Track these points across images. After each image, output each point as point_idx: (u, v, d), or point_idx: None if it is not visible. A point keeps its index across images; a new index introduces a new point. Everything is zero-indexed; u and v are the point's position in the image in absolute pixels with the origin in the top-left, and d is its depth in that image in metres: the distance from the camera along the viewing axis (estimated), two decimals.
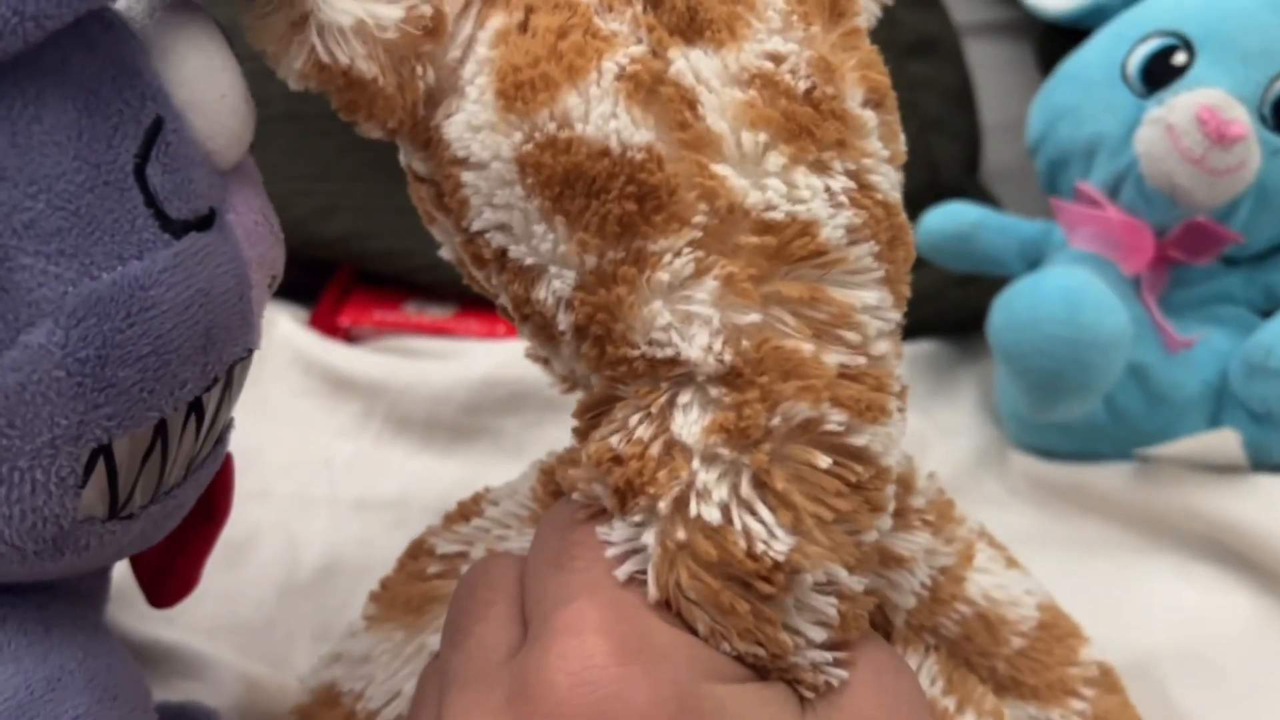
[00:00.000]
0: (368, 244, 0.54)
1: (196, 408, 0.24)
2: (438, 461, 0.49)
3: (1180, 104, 0.45)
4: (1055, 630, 0.31)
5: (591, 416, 0.24)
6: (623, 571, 0.22)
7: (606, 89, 0.22)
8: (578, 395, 0.29)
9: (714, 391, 0.22)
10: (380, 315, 0.54)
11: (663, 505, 0.22)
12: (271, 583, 0.42)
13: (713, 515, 0.22)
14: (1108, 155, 0.48)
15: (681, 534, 0.22)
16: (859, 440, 0.22)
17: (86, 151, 0.21)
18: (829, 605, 0.23)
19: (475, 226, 0.24)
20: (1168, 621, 0.43)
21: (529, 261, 0.23)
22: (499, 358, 0.51)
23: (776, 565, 0.22)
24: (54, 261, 0.20)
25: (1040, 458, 0.50)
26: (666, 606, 0.22)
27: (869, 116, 0.24)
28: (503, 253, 0.24)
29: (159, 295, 0.21)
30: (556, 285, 0.23)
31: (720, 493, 0.22)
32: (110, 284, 0.21)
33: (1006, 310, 0.45)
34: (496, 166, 0.23)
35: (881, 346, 0.23)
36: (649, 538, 0.22)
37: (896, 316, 0.24)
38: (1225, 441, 0.45)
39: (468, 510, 0.30)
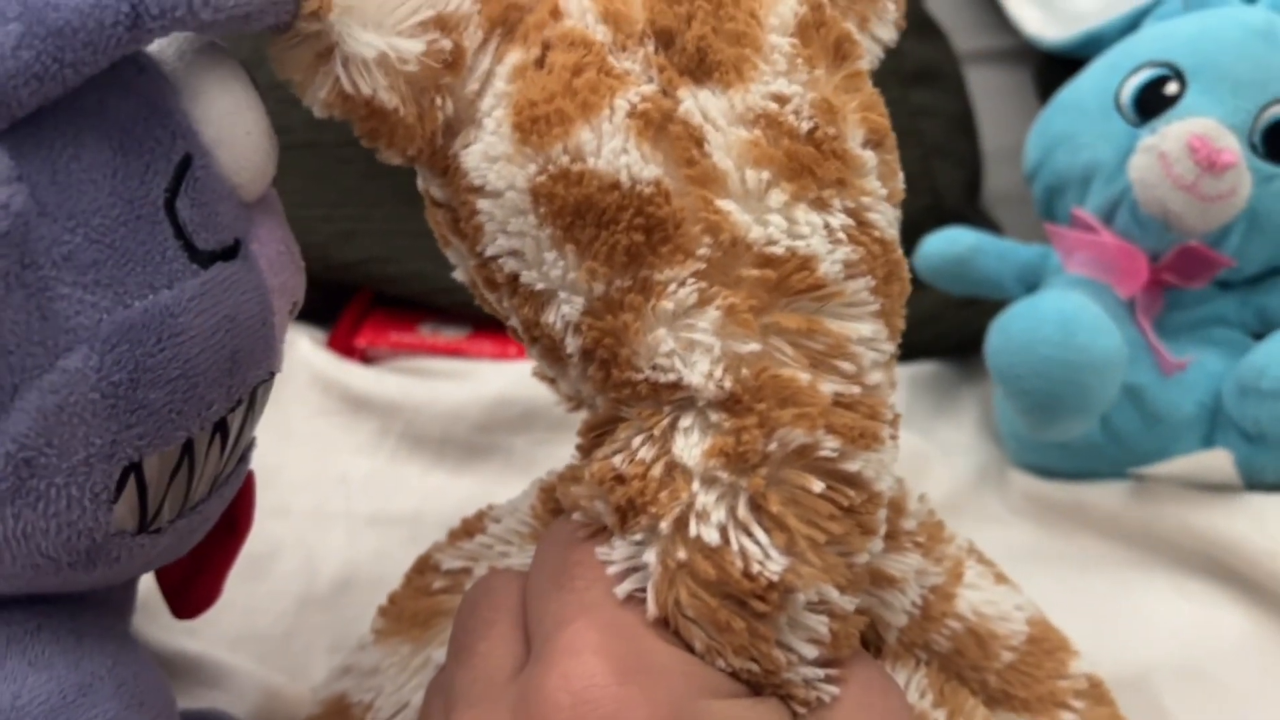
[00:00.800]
0: (386, 268, 0.55)
1: (221, 427, 0.25)
2: (451, 479, 0.50)
3: (1172, 132, 0.46)
4: (1045, 644, 0.32)
5: (595, 435, 0.25)
6: (622, 589, 0.23)
7: (618, 125, 0.23)
8: (583, 414, 0.30)
9: (714, 416, 0.23)
10: (396, 337, 0.56)
11: (664, 525, 0.23)
12: (290, 596, 0.44)
13: (712, 536, 0.22)
14: (1103, 182, 0.49)
15: (682, 554, 0.23)
16: (852, 466, 0.23)
17: (121, 188, 0.22)
18: (821, 624, 0.23)
19: (489, 252, 0.25)
20: (1164, 636, 0.44)
21: (539, 287, 0.24)
22: (511, 378, 0.52)
23: (771, 585, 0.22)
24: (90, 291, 0.21)
25: (1039, 476, 0.51)
26: (664, 624, 0.23)
27: (869, 156, 0.25)
28: (514, 278, 0.25)
29: (187, 322, 0.23)
30: (565, 310, 0.24)
31: (719, 514, 0.23)
32: (142, 312, 0.22)
33: (1003, 333, 0.46)
34: (511, 196, 0.24)
35: (875, 376, 0.24)
36: (650, 556, 0.23)
37: (891, 348, 0.25)
38: (1219, 461, 0.46)
39: (471, 527, 0.31)
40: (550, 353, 0.26)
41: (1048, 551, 0.48)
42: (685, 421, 0.23)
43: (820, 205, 0.24)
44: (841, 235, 0.24)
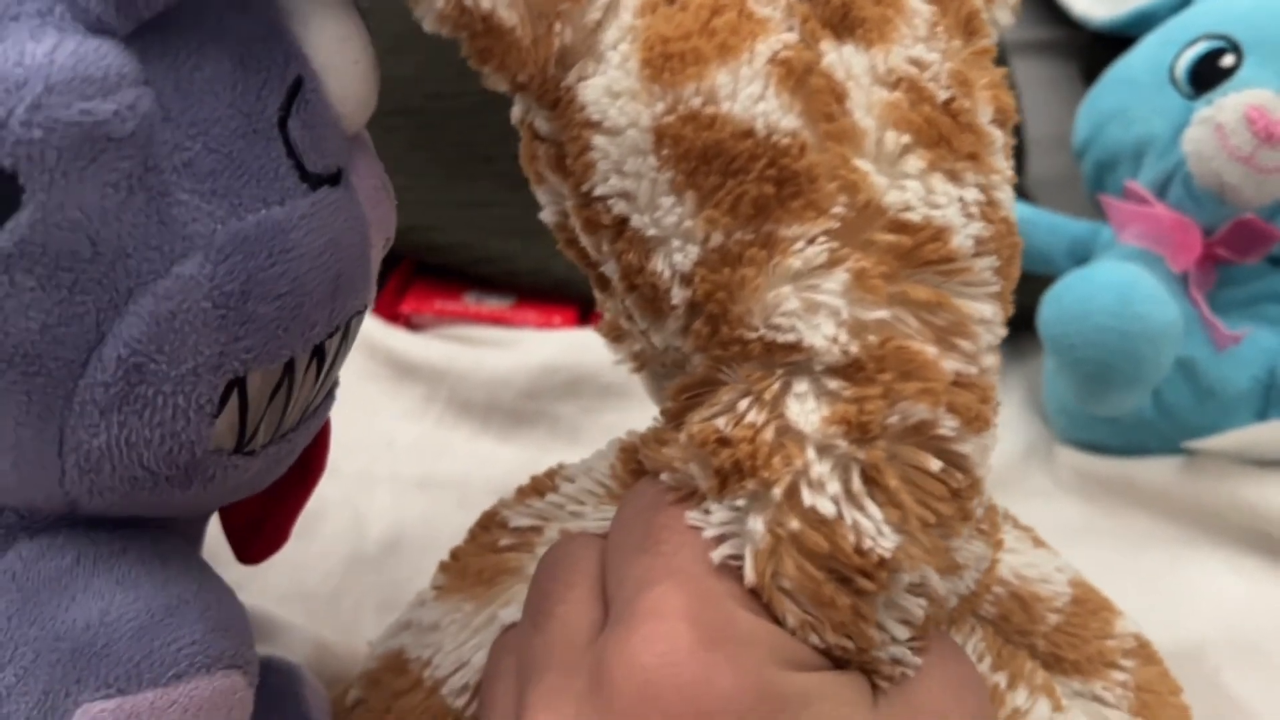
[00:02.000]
0: (430, 236, 0.55)
1: (319, 353, 0.25)
2: (498, 445, 0.50)
3: (1229, 104, 0.46)
4: (1089, 605, 0.32)
5: (688, 397, 0.25)
6: (718, 554, 0.22)
7: (758, 71, 0.22)
8: (641, 376, 0.29)
9: (831, 383, 0.22)
10: (441, 304, 0.56)
11: (777, 491, 0.22)
12: (339, 556, 0.44)
13: (827, 507, 0.22)
14: (1156, 156, 0.49)
15: (795, 524, 0.22)
16: (964, 448, 0.23)
17: (240, 101, 0.22)
18: (918, 606, 0.23)
19: (598, 191, 0.24)
20: (1217, 612, 0.43)
21: (650, 232, 0.23)
22: (556, 346, 0.52)
23: (881, 562, 0.22)
24: (207, 200, 0.21)
25: (1088, 452, 0.50)
26: (753, 595, 0.22)
27: (997, 134, 0.25)
28: (622, 221, 0.24)
29: (298, 239, 0.23)
30: (677, 259, 0.23)
31: (833, 485, 0.22)
32: (255, 224, 0.22)
33: (1057, 303, 0.46)
34: (632, 134, 0.23)
35: (989, 360, 0.24)
36: (755, 523, 0.22)
37: (1003, 333, 0.24)
38: (1274, 434, 0.46)
39: (541, 485, 0.30)
40: (650, 304, 0.25)
41: (1098, 528, 0.48)
42: (800, 386, 0.22)
43: (954, 177, 0.23)
44: (974, 210, 0.23)
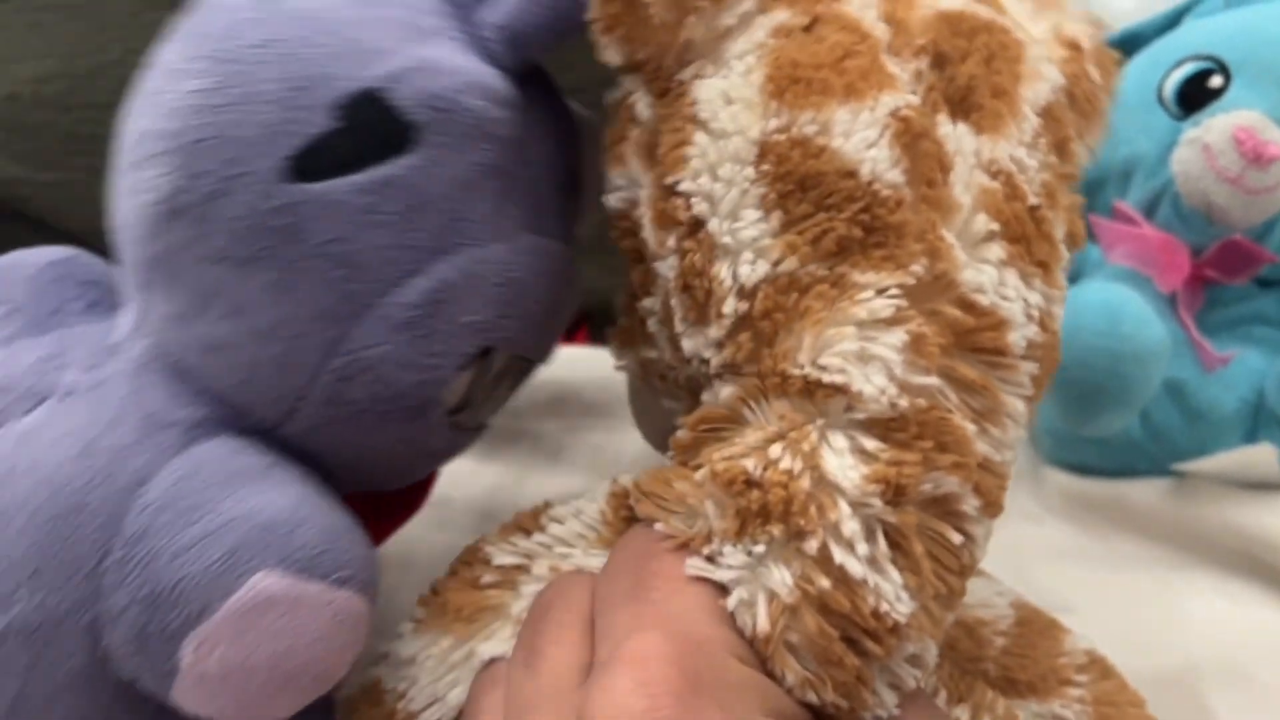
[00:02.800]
0: None
1: (529, 368, 0.31)
2: (479, 463, 0.49)
3: (1217, 124, 0.45)
4: (1035, 625, 0.32)
5: (706, 429, 0.24)
6: (732, 601, 0.22)
7: (878, 119, 0.23)
8: (633, 388, 0.29)
9: (869, 442, 0.22)
10: None
11: (812, 544, 0.22)
12: None
13: (855, 568, 0.21)
14: (1144, 176, 0.49)
15: (824, 581, 0.22)
16: (976, 529, 0.23)
17: (554, 158, 0.29)
18: (911, 676, 0.23)
19: (683, 187, 0.24)
20: (1206, 635, 0.43)
21: (724, 240, 0.23)
22: None
23: (894, 628, 0.22)
24: (524, 211, 0.28)
25: (1076, 474, 0.50)
26: (746, 645, 0.22)
27: (1065, 254, 0.25)
28: (698, 222, 0.24)
29: (560, 269, 0.29)
30: (744, 270, 0.23)
31: (862, 545, 0.22)
32: (545, 244, 0.28)
33: None
34: (737, 142, 0.23)
35: (1009, 455, 0.24)
36: (780, 573, 0.22)
37: (1023, 437, 0.25)
38: (1263, 456, 0.46)
39: (527, 524, 0.29)
40: (698, 307, 0.24)
41: (1085, 550, 0.48)
42: (838, 441, 0.22)
43: (1025, 278, 0.24)
44: (1035, 314, 0.24)
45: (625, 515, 0.27)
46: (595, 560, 0.27)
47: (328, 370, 0.26)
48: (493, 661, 0.27)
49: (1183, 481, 0.48)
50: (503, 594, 0.28)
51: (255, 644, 0.24)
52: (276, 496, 0.25)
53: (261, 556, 0.24)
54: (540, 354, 0.30)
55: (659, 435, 0.30)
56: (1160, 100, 0.49)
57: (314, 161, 0.25)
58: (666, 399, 0.29)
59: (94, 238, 0.53)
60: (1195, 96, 0.48)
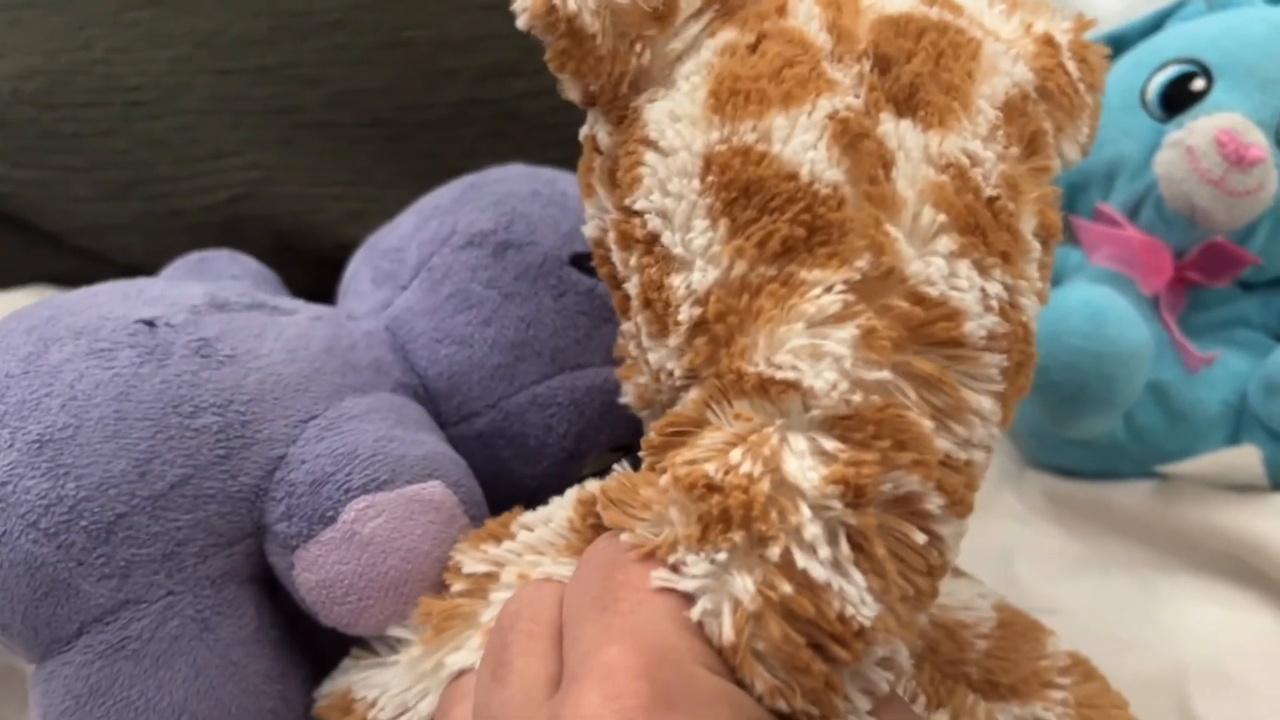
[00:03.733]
0: None
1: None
2: None
3: (1199, 127, 0.46)
4: (1016, 627, 0.31)
5: (673, 433, 0.24)
6: (696, 612, 0.22)
7: (815, 122, 0.23)
8: (645, 420, 0.29)
9: (828, 443, 0.22)
10: None
11: (775, 550, 0.21)
12: None
13: (818, 571, 0.21)
14: (1127, 178, 0.49)
15: (787, 586, 0.21)
16: (944, 529, 0.23)
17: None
18: (883, 680, 0.23)
19: (638, 205, 0.25)
20: (1190, 638, 0.43)
21: (677, 251, 0.24)
22: None
23: (860, 632, 0.21)
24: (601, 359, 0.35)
25: (1060, 476, 0.50)
26: (714, 655, 0.22)
27: (1035, 246, 0.25)
28: (654, 237, 0.25)
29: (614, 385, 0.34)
30: (695, 278, 0.24)
31: (825, 549, 0.21)
32: (610, 378, 0.35)
33: None
34: (683, 156, 0.24)
35: (979, 455, 0.24)
36: (743, 581, 0.21)
37: (998, 434, 0.24)
38: (1246, 458, 0.46)
39: (497, 532, 0.29)
40: (658, 320, 0.25)
41: (1069, 552, 0.48)
42: (797, 443, 0.22)
43: (982, 269, 0.24)
44: (994, 303, 0.24)
45: (593, 523, 0.27)
46: (564, 568, 0.26)
47: (522, 395, 0.34)
48: (462, 673, 0.27)
49: (1166, 483, 0.48)
50: (472, 602, 0.28)
51: (408, 531, 0.28)
52: (452, 451, 0.32)
53: (444, 471, 0.30)
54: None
55: None
56: (1143, 103, 0.49)
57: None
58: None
59: (72, 235, 0.53)
60: (1178, 99, 0.48)
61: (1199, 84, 0.48)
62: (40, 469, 0.26)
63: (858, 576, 0.21)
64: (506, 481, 0.33)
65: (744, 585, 0.21)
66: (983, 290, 0.23)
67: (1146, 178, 0.48)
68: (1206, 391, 0.47)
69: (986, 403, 0.23)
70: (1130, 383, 0.44)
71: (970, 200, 0.24)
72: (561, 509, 0.29)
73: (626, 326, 0.28)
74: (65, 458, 0.27)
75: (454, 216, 0.36)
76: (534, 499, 0.34)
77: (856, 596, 0.21)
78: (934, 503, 0.22)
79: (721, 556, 0.22)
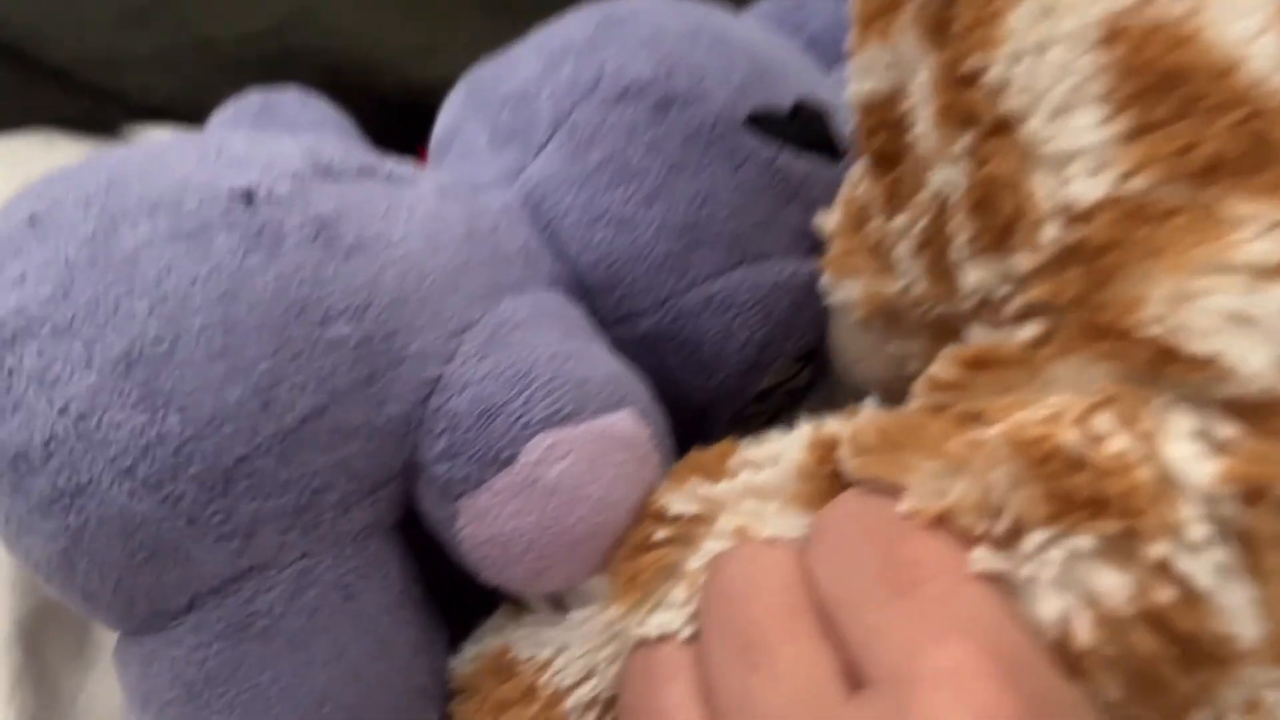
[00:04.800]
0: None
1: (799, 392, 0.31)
2: None
3: None
4: None
5: (988, 375, 0.20)
6: (1051, 608, 0.18)
7: (1258, 3, 0.18)
8: (854, 328, 0.25)
9: (1225, 430, 0.18)
10: None
11: (1157, 550, 0.18)
12: None
13: (1205, 580, 0.18)
14: None
15: (1169, 593, 0.18)
16: None
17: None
18: (1237, 714, 0.19)
19: (992, 74, 0.19)
20: None
21: (1046, 147, 0.19)
22: None
23: (1238, 654, 0.18)
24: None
25: None
26: (1054, 651, 0.19)
27: None
28: (1009, 121, 0.19)
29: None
30: (1074, 189, 0.18)
31: (1214, 554, 0.18)
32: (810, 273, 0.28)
33: None
34: (1073, 19, 0.19)
35: None
36: (1116, 579, 0.18)
37: None
38: None
39: (710, 467, 0.24)
40: (995, 231, 0.20)
41: None
42: (1181, 423, 0.18)
43: None
44: None
45: (830, 471, 0.22)
46: (791, 526, 0.22)
47: (695, 293, 0.27)
48: (665, 639, 0.22)
49: None
50: (679, 550, 0.23)
51: (599, 474, 0.22)
52: (631, 368, 0.25)
53: (634, 397, 0.24)
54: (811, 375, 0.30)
55: (878, 387, 0.25)
56: None
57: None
58: (896, 341, 0.24)
59: (82, 70, 0.45)
60: None
61: None
62: (131, 397, 0.20)
63: (1241, 589, 0.18)
64: (670, 395, 0.27)
65: (1112, 584, 0.18)
66: None
67: None
68: None
69: None
70: None
71: None
72: (791, 447, 0.23)
73: (897, 222, 0.22)
74: (162, 382, 0.20)
75: (597, 59, 0.28)
76: (702, 418, 0.28)
77: (1240, 612, 0.18)
78: None
79: (1083, 544, 0.18)
